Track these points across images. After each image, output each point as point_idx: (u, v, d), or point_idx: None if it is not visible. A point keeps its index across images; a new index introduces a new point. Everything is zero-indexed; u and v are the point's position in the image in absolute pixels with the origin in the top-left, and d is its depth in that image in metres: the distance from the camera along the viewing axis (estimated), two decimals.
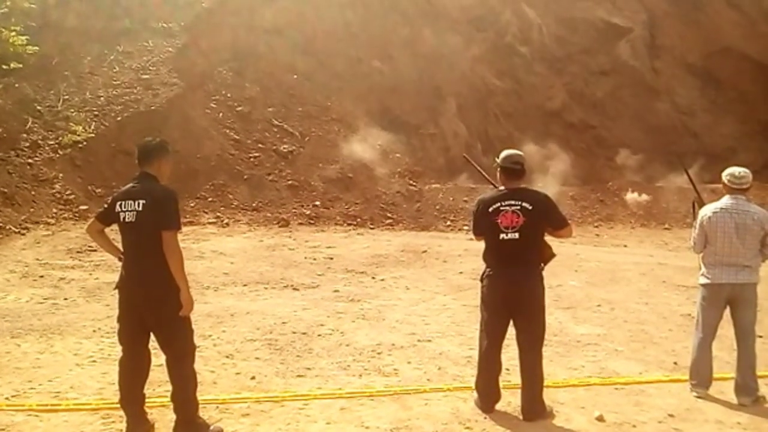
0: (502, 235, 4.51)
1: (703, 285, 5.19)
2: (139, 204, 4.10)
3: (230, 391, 5.11)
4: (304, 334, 6.70)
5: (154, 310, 4.11)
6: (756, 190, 5.20)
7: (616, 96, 21.03)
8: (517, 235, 4.48)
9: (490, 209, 4.56)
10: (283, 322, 7.08)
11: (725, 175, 5.17)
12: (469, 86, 19.94)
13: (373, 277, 9.67)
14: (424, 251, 11.64)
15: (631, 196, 17.41)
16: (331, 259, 10.87)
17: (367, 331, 6.84)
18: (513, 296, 4.58)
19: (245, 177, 15.12)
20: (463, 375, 5.47)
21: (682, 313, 7.81)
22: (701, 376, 5.14)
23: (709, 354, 5.15)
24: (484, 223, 4.63)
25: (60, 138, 13.91)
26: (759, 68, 21.45)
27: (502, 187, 4.67)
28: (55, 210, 12.48)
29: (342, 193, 15.58)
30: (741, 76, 21.37)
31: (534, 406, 4.63)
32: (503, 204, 4.52)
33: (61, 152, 13.70)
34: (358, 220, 14.76)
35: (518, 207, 4.48)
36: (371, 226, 14.50)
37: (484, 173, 5.44)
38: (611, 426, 4.57)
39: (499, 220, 4.51)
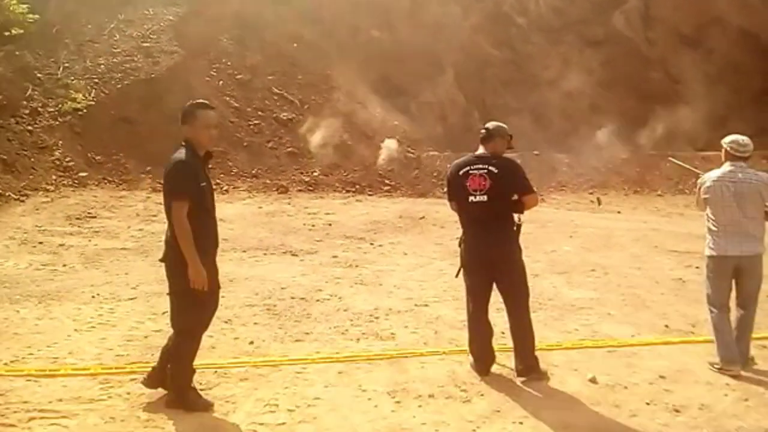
0: (470, 198, 4.68)
1: (709, 257, 5.06)
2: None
3: (229, 355, 5.18)
4: (302, 299, 6.78)
5: (168, 282, 4.15)
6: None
7: (611, 65, 21.09)
8: (485, 198, 4.63)
9: (460, 173, 4.75)
10: (282, 288, 7.16)
11: (728, 143, 5.02)
12: (466, 55, 19.89)
13: (371, 243, 9.74)
14: (422, 218, 11.71)
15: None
16: (330, 225, 10.93)
17: (365, 296, 6.93)
18: (489, 259, 4.70)
19: (245, 144, 15.11)
20: (459, 339, 5.53)
21: (673, 278, 7.90)
22: (730, 354, 4.89)
23: (730, 328, 5.00)
24: (455, 186, 4.81)
25: (60, 105, 13.88)
26: (750, 38, 21.41)
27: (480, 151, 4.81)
28: (54, 177, 12.49)
29: (341, 160, 15.58)
30: (733, 47, 21.36)
31: (526, 362, 4.72)
32: (472, 168, 4.70)
33: (61, 120, 13.68)
34: (357, 187, 14.79)
35: (485, 170, 4.65)
36: (369, 193, 14.54)
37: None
38: (604, 387, 4.65)
39: (468, 183, 4.68)
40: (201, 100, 4.37)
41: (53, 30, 15.47)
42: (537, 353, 4.79)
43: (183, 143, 4.15)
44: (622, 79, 20.75)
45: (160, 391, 4.33)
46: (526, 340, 4.74)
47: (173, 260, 4.03)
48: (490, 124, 4.89)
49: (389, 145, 15.89)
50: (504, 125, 4.91)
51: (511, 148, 4.98)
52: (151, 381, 4.34)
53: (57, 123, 13.57)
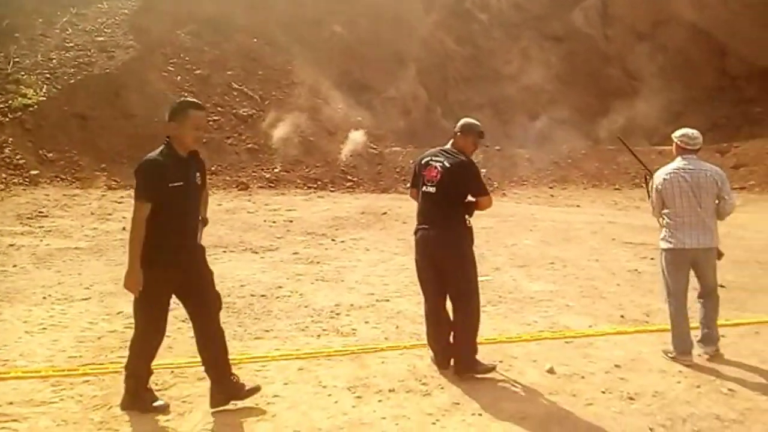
0: (424, 187, 4.78)
1: (665, 250, 5.06)
2: None
3: (186, 355, 5.06)
4: (262, 296, 6.71)
5: None
6: (701, 152, 5.31)
7: (570, 61, 21.54)
8: (433, 189, 4.70)
9: (423, 162, 4.85)
10: (242, 285, 7.07)
11: (679, 136, 5.09)
12: (428, 51, 20.10)
13: (333, 239, 9.70)
14: (384, 213, 11.72)
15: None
16: (291, 221, 10.86)
17: (326, 293, 6.89)
18: (436, 259, 4.70)
19: (204, 140, 14.83)
20: (419, 333, 5.52)
21: (629, 269, 8.09)
22: (684, 345, 5.01)
23: (687, 320, 5.07)
24: (417, 175, 4.90)
25: (10, 101, 13.55)
26: (703, 35, 22.06)
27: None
28: (4, 175, 12.16)
29: (303, 156, 15.49)
30: (687, 44, 22.00)
31: (460, 361, 4.69)
32: (432, 159, 4.80)
33: (10, 116, 13.34)
34: (319, 183, 14.73)
35: (440, 164, 4.74)
36: (332, 189, 14.50)
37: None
38: (561, 377, 4.70)
39: (425, 173, 4.78)
40: (193, 99, 4.34)
41: (3, 24, 15.12)
42: (498, 346, 4.81)
43: (166, 140, 4.09)
44: (581, 75, 21.28)
45: (113, 392, 4.23)
46: (461, 338, 4.70)
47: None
48: (462, 121, 4.95)
49: (355, 138, 15.87)
50: (474, 122, 4.94)
51: (486, 146, 5.02)
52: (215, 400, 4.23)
53: (6, 119, 13.24)
